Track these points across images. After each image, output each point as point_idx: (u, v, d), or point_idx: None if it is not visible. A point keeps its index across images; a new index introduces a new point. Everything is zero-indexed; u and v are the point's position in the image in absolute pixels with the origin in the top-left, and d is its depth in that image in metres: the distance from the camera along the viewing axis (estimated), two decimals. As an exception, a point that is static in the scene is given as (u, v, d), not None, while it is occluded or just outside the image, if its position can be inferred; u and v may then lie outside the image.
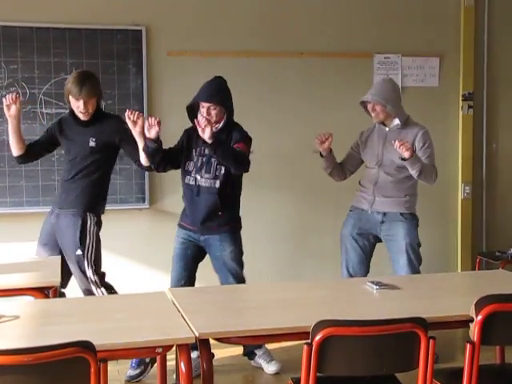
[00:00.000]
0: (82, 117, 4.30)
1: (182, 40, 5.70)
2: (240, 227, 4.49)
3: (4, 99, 4.15)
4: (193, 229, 4.40)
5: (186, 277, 4.44)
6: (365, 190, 4.78)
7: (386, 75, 5.95)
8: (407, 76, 6.13)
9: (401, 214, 4.69)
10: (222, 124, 4.33)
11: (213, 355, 4.40)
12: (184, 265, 4.45)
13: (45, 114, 5.39)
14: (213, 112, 4.27)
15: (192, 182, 4.36)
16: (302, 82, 5.93)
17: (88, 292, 4.31)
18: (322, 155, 4.67)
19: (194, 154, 4.37)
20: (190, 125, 4.45)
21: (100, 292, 4.29)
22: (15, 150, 4.34)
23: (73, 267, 4.32)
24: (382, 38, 6.08)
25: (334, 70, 5.99)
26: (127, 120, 4.18)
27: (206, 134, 4.02)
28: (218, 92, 4.31)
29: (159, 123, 4.13)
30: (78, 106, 4.24)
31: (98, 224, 4.42)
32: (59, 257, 4.21)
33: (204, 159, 4.33)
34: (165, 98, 5.67)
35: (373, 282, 3.47)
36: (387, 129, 4.69)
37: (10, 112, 4.16)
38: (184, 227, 4.45)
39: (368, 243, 4.79)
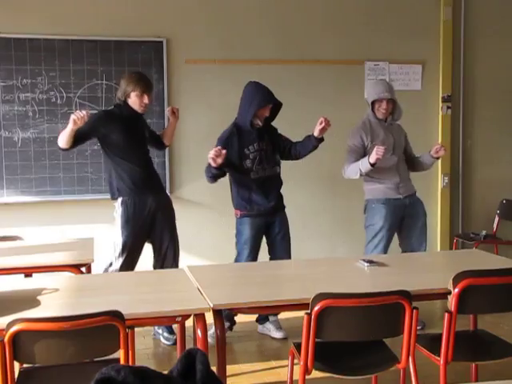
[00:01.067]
0: (143, 111, 4.29)
1: (198, 50, 5.68)
2: None
3: (75, 114, 3.88)
4: (265, 213, 4.39)
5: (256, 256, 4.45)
6: (386, 179, 4.64)
7: (376, 80, 5.94)
8: (394, 81, 6.10)
9: (415, 193, 4.76)
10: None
11: (234, 322, 4.45)
12: (258, 246, 4.44)
13: (79, 115, 5.39)
14: (268, 110, 4.37)
15: (260, 174, 4.35)
16: (303, 84, 5.92)
17: None
18: (372, 165, 4.39)
19: (246, 152, 4.33)
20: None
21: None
22: (64, 144, 4.07)
23: None
24: (372, 48, 6.06)
25: (330, 74, 5.97)
26: (169, 113, 4.54)
27: (323, 133, 4.28)
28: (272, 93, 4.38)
29: (224, 154, 4.05)
30: (142, 99, 4.21)
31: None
32: (93, 238, 4.20)
33: (262, 153, 4.35)
34: (183, 101, 5.66)
35: (364, 260, 3.47)
36: (385, 123, 4.65)
37: (76, 125, 3.91)
38: (254, 216, 4.38)
39: (395, 231, 4.72)
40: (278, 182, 4.51)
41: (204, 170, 4.25)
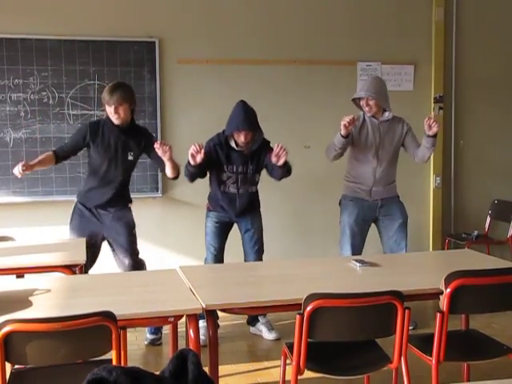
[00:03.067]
0: (118, 123, 4.22)
1: (190, 50, 5.68)
2: None
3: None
4: (229, 216, 4.47)
5: (223, 249, 4.51)
6: (360, 182, 4.66)
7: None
8: (386, 81, 6.06)
9: (393, 196, 4.72)
10: (259, 144, 4.35)
11: (218, 326, 4.44)
12: (222, 239, 4.51)
13: (71, 115, 5.38)
14: (248, 137, 4.28)
15: (233, 190, 4.40)
16: (295, 85, 5.92)
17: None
18: (343, 136, 4.41)
19: (226, 169, 4.35)
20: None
21: None
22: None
23: None
24: (365, 49, 6.07)
25: (323, 75, 5.97)
26: (157, 150, 4.07)
27: (281, 162, 4.09)
28: (255, 120, 4.31)
29: (201, 149, 4.08)
30: (110, 112, 4.17)
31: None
32: (84, 238, 4.19)
33: (241, 176, 4.37)
34: (175, 101, 5.66)
35: (356, 260, 3.47)
36: (377, 121, 4.62)
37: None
38: (218, 211, 4.48)
39: (367, 228, 4.73)
40: (251, 200, 4.49)
41: (184, 169, 4.28)
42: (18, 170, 4.01)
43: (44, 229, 5.38)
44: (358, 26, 6.05)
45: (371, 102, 4.54)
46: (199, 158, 4.06)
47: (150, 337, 4.41)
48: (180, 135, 5.64)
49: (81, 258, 3.66)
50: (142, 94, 5.53)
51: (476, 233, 6.04)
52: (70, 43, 5.36)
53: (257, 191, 4.55)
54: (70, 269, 3.58)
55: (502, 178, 6.49)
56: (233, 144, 4.32)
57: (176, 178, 4.34)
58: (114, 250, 4.34)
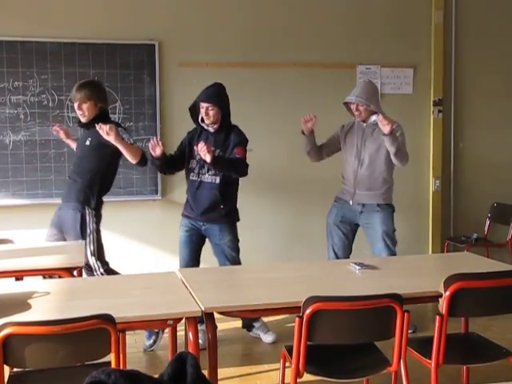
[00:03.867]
0: (83, 120, 4.35)
1: (190, 53, 5.68)
2: (237, 219, 4.44)
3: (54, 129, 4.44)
4: (195, 218, 4.37)
5: (192, 260, 4.42)
6: (346, 183, 4.72)
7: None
8: (385, 84, 6.12)
9: (378, 204, 4.62)
10: (217, 125, 4.29)
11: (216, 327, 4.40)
12: (189, 250, 4.42)
13: (71, 118, 5.38)
14: (211, 112, 4.23)
15: (194, 178, 4.33)
16: (294, 89, 5.92)
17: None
18: (303, 133, 4.61)
19: (195, 153, 4.27)
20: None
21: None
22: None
23: None
24: (364, 52, 6.07)
25: (322, 78, 5.98)
26: (100, 131, 4.03)
27: (208, 159, 3.96)
28: (217, 95, 4.27)
29: (160, 143, 4.20)
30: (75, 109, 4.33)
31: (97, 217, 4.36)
32: (83, 242, 4.19)
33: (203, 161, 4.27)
34: (175, 104, 5.66)
35: (356, 263, 3.47)
36: (365, 125, 4.64)
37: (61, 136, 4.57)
38: (188, 217, 4.41)
39: (350, 229, 4.74)
40: (214, 193, 4.29)
41: None
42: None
43: (43, 231, 5.36)
44: (357, 29, 6.05)
45: (361, 108, 4.56)
46: (158, 150, 4.14)
47: (146, 342, 4.34)
48: (180, 138, 5.62)
49: (80, 260, 3.66)
50: (141, 96, 5.53)
51: (475, 236, 6.03)
52: (69, 46, 5.36)
53: (225, 189, 4.30)
54: (69, 272, 3.57)
55: (502, 181, 6.49)
56: (203, 124, 4.31)
57: (140, 163, 4.27)
58: None
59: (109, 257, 4.40)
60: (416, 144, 5.87)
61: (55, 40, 5.32)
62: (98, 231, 4.32)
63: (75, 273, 3.69)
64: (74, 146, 4.67)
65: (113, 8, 5.49)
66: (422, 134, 6.29)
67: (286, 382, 2.99)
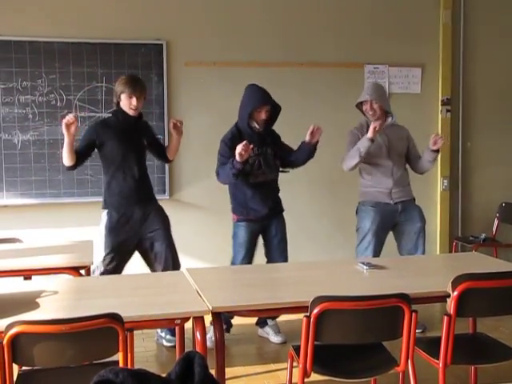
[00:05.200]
0: (134, 113, 4.21)
1: (198, 52, 5.69)
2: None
3: (64, 119, 3.92)
4: (260, 219, 4.39)
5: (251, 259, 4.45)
6: (377, 185, 4.64)
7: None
8: (393, 84, 6.11)
9: (413, 199, 4.73)
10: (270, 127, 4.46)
11: (231, 325, 4.42)
12: (252, 250, 4.44)
13: (79, 117, 5.38)
14: (268, 114, 4.35)
15: (255, 180, 4.34)
16: (302, 88, 5.92)
17: None
18: (372, 140, 4.40)
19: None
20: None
21: None
22: (69, 161, 4.06)
23: None
24: (372, 51, 6.06)
25: (330, 77, 5.97)
26: (171, 127, 4.29)
27: (316, 138, 4.34)
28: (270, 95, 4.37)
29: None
30: (130, 102, 4.15)
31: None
32: (92, 240, 4.20)
33: (262, 158, 4.34)
34: (182, 103, 5.67)
35: (363, 263, 3.47)
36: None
37: (71, 131, 3.92)
38: (250, 220, 4.39)
39: (386, 235, 4.72)
40: (276, 188, 4.51)
41: (222, 175, 4.26)
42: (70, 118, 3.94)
43: (51, 231, 5.40)
44: (365, 29, 6.04)
45: (375, 106, 4.56)
46: (247, 154, 4.07)
47: (173, 338, 4.25)
48: (187, 137, 5.62)
49: (88, 260, 3.67)
50: (149, 96, 5.52)
51: (483, 236, 6.01)
52: (77, 45, 5.38)
53: (277, 182, 4.52)
54: (77, 271, 3.59)
55: (510, 181, 6.46)
56: (255, 124, 4.33)
57: (171, 160, 4.56)
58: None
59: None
60: (424, 143, 5.83)
61: (63, 40, 5.34)
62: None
63: (83, 272, 3.70)
64: (69, 140, 4.01)
65: (120, 8, 5.50)
66: (430, 133, 6.20)
67: (293, 381, 2.99)
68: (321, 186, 5.99)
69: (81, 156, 4.13)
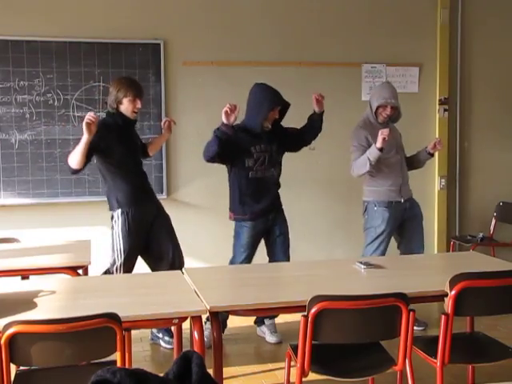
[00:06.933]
0: (135, 117, 4.19)
1: (196, 52, 5.69)
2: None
3: (85, 118, 3.74)
4: (262, 215, 4.36)
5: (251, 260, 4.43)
6: (388, 183, 4.62)
7: (373, 82, 5.96)
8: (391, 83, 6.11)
9: (412, 197, 4.75)
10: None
11: (226, 325, 4.41)
12: (254, 250, 4.41)
13: (76, 117, 5.39)
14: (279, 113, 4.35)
15: (255, 175, 4.29)
16: (300, 87, 5.90)
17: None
18: (381, 150, 4.36)
19: (252, 151, 4.26)
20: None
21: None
22: (79, 163, 3.87)
23: None
24: (370, 50, 6.06)
25: (328, 76, 5.97)
26: (165, 126, 4.46)
27: (320, 106, 4.42)
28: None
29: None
30: (134, 106, 4.11)
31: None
32: (90, 240, 4.19)
33: (267, 155, 4.31)
34: (180, 102, 5.67)
35: (361, 262, 3.47)
36: (379, 124, 4.58)
37: (92, 129, 3.76)
38: (252, 219, 4.34)
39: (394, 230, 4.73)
40: (274, 184, 4.45)
41: (205, 147, 4.16)
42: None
43: (49, 230, 5.39)
44: (363, 28, 6.05)
45: (393, 110, 4.56)
46: (233, 117, 4.01)
47: (171, 340, 4.23)
48: (185, 137, 5.64)
49: (85, 259, 3.67)
50: (146, 95, 5.52)
51: (481, 235, 6.02)
52: (75, 45, 5.37)
53: (278, 178, 4.49)
54: (74, 270, 3.59)
55: (507, 180, 6.48)
56: (267, 124, 4.28)
57: (151, 156, 4.70)
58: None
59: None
60: (422, 143, 5.83)
61: (60, 39, 5.33)
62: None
63: (81, 271, 3.70)
64: (87, 140, 3.84)
65: (118, 7, 5.50)
66: (428, 132, 6.27)
67: (291, 381, 3.00)
68: (320, 185, 5.98)
69: (87, 160, 4.02)
